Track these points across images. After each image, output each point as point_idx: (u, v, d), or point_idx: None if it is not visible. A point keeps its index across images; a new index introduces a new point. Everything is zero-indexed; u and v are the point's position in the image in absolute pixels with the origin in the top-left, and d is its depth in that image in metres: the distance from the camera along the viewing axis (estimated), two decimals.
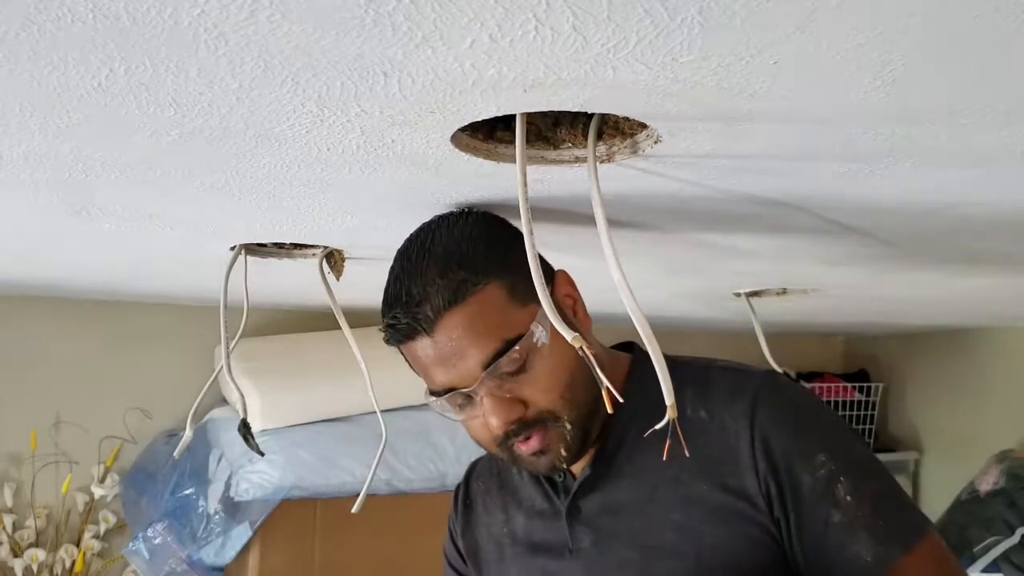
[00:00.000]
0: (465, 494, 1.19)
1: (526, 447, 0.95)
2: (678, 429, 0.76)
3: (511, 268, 0.93)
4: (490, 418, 0.93)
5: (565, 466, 0.97)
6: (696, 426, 0.96)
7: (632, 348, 1.09)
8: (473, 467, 1.21)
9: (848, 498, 0.92)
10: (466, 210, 1.03)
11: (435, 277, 0.92)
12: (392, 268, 0.97)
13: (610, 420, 1.00)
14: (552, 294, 0.97)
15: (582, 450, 0.97)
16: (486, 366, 0.91)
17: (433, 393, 0.96)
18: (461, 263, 0.92)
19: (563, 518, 1.03)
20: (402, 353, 0.99)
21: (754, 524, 0.93)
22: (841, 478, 0.92)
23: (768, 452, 0.93)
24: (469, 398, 0.94)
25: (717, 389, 0.98)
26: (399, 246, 1.00)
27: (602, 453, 1.01)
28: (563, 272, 1.02)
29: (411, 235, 0.99)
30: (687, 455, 0.92)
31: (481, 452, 1.24)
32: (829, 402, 3.15)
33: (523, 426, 0.93)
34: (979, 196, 1.02)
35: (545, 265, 0.99)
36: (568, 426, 0.94)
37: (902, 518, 0.94)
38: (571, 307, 1.00)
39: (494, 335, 0.91)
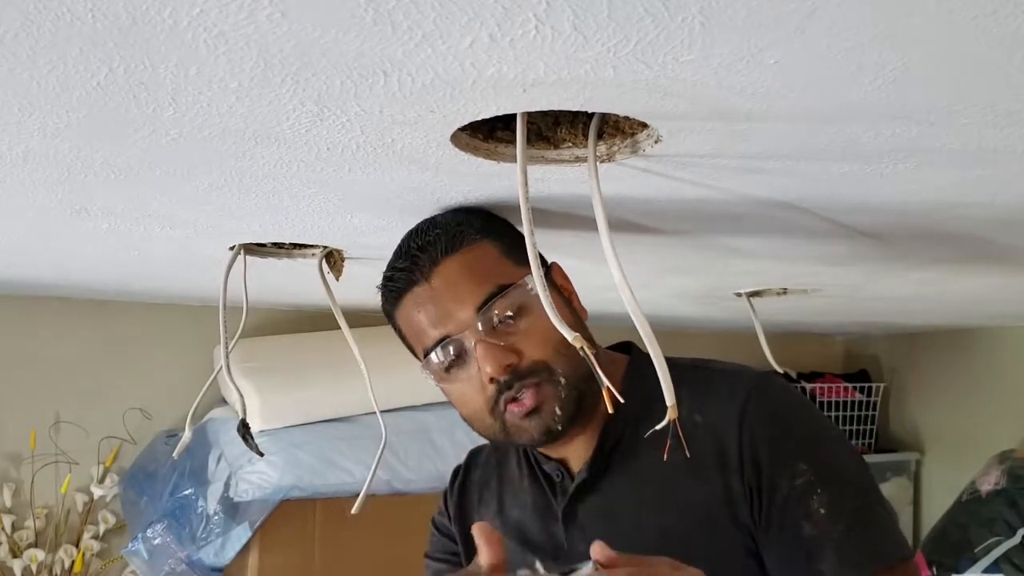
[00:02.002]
0: (463, 480, 1.18)
1: (519, 408, 0.93)
2: (678, 430, 0.76)
3: (507, 236, 0.99)
4: (484, 365, 0.92)
5: (560, 428, 0.95)
6: (689, 430, 0.95)
7: (630, 349, 1.08)
8: (473, 456, 1.20)
9: (821, 511, 0.90)
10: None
11: (436, 230, 0.97)
12: (399, 243, 1.02)
13: (608, 421, 1.00)
14: (551, 278, 1.00)
15: (576, 416, 0.96)
16: (480, 308, 0.93)
17: (426, 353, 0.96)
18: (460, 223, 0.98)
19: (560, 520, 1.02)
20: (396, 326, 1.01)
21: (738, 526, 0.92)
22: (818, 489, 0.91)
23: (754, 455, 0.92)
24: (462, 356, 0.94)
25: (713, 393, 0.97)
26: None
27: (599, 454, 1.00)
28: (557, 264, 1.04)
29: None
30: (683, 457, 0.92)
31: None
32: (829, 403, 3.14)
33: (516, 377, 0.93)
34: (979, 196, 1.02)
35: (540, 256, 1.01)
36: (563, 381, 0.94)
37: (878, 539, 0.92)
38: (568, 297, 1.01)
39: (489, 280, 0.94)
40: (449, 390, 0.99)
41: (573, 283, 1.04)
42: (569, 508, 1.01)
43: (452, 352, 0.95)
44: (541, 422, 0.95)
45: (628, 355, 1.07)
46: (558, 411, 0.94)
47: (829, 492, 0.91)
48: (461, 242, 0.96)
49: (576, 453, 1.02)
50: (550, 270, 1.02)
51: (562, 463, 1.03)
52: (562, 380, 0.94)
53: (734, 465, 0.92)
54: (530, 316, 0.94)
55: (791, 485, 0.91)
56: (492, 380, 0.93)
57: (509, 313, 0.93)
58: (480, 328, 0.93)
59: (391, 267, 0.99)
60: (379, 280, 1.02)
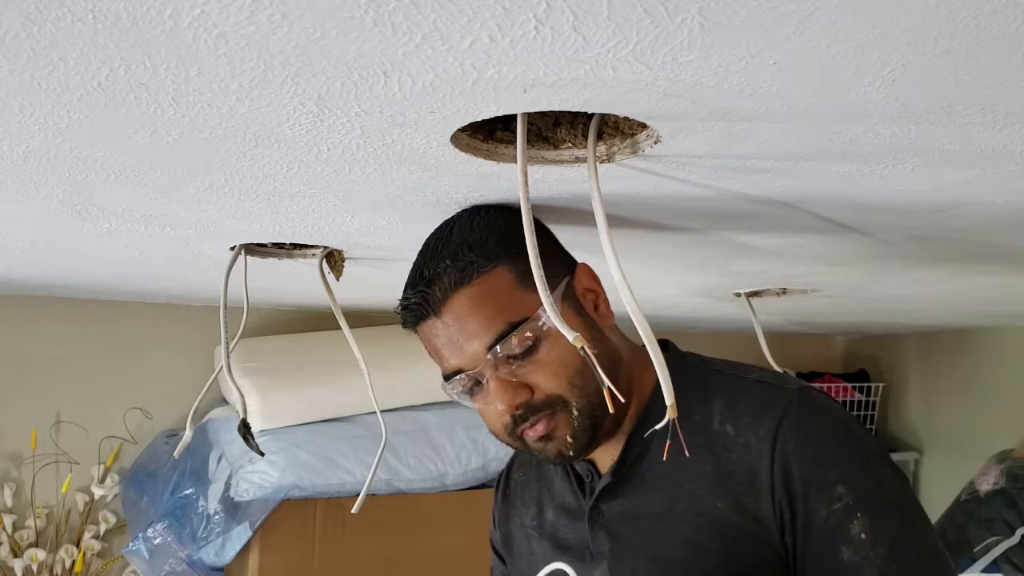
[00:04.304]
0: (506, 484, 1.19)
1: (532, 432, 0.94)
2: (678, 431, 0.75)
3: (524, 255, 0.93)
4: (496, 402, 0.93)
5: (572, 454, 0.96)
6: (721, 441, 0.93)
7: (667, 348, 1.04)
8: (516, 456, 1.20)
9: (863, 535, 0.87)
10: (493, 204, 1.03)
11: (447, 259, 0.94)
12: (417, 256, 1.00)
13: (636, 425, 0.99)
14: (572, 287, 0.98)
15: (592, 441, 0.96)
16: (490, 347, 0.91)
17: (445, 377, 0.96)
18: (472, 247, 0.94)
19: (586, 520, 1.02)
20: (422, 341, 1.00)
21: (765, 547, 0.90)
22: (858, 513, 0.88)
23: (787, 477, 0.89)
24: (479, 383, 0.95)
25: (746, 405, 0.94)
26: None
27: (626, 458, 0.99)
28: (585, 266, 1.01)
29: (438, 226, 1.02)
30: (712, 469, 0.91)
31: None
32: None
33: (530, 411, 0.93)
34: (979, 196, 1.02)
35: (567, 257, 1.00)
36: (575, 412, 0.93)
37: (920, 566, 0.89)
38: (593, 301, 0.99)
39: (500, 317, 0.92)
40: (474, 406, 0.99)
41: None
42: (595, 508, 1.01)
43: (469, 382, 0.95)
44: (555, 447, 0.95)
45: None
46: (570, 439, 0.94)
47: (870, 515, 0.88)
48: (471, 274, 0.93)
49: (606, 456, 1.01)
50: (573, 275, 0.99)
51: (592, 464, 1.03)
52: (575, 412, 0.93)
53: (764, 485, 0.90)
54: (543, 348, 0.92)
55: (829, 510, 0.88)
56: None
57: (520, 350, 0.92)
58: (491, 365, 0.92)
59: (405, 294, 0.97)
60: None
